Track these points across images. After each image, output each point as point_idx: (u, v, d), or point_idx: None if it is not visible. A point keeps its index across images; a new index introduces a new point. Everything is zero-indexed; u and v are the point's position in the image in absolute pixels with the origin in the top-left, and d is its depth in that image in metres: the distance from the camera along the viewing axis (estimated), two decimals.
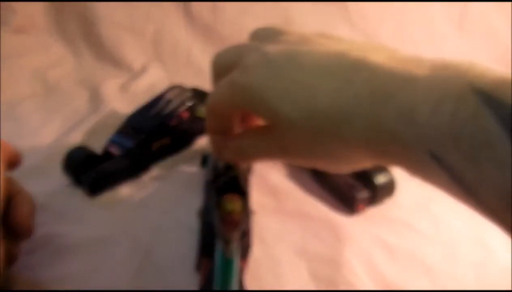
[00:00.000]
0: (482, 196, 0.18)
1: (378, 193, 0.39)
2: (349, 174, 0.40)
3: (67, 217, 0.36)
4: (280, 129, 0.25)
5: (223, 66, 0.29)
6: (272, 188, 0.41)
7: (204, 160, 0.41)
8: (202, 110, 0.45)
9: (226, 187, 0.31)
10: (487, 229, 0.38)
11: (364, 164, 0.25)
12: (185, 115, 0.45)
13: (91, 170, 0.39)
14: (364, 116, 0.21)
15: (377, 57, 0.22)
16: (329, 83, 0.23)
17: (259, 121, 0.31)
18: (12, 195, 0.28)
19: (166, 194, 0.40)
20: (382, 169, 0.40)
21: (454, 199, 0.21)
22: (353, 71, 0.22)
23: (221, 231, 0.27)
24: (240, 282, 0.27)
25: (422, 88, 0.20)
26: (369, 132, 0.22)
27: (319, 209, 0.39)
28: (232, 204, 0.28)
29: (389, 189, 0.40)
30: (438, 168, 0.19)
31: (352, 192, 0.38)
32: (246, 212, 0.29)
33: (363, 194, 0.38)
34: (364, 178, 0.39)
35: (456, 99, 0.18)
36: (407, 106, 0.20)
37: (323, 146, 0.24)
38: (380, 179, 0.39)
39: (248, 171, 0.41)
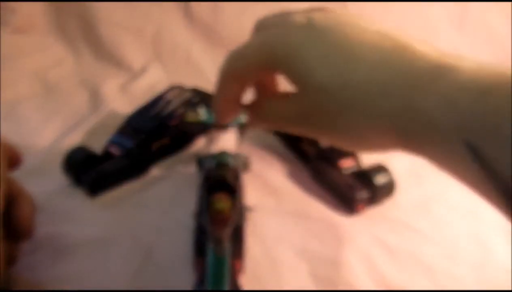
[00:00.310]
0: None
1: (378, 193, 0.39)
2: (349, 174, 0.40)
3: (67, 217, 0.36)
4: (308, 94, 0.24)
5: (264, 27, 0.28)
6: (272, 188, 0.41)
7: (199, 163, 0.41)
8: (191, 116, 0.45)
9: (215, 187, 0.31)
10: (487, 229, 0.38)
11: (386, 147, 0.24)
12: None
13: (91, 170, 0.39)
14: (402, 96, 0.21)
15: (421, 45, 0.22)
16: (371, 57, 0.22)
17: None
18: (13, 196, 0.28)
19: (166, 194, 0.40)
20: (382, 169, 0.40)
21: (479, 196, 0.21)
22: (397, 50, 0.22)
23: (212, 231, 0.27)
24: (235, 282, 0.27)
25: (466, 77, 0.20)
26: (404, 114, 0.21)
27: (319, 209, 0.39)
28: (221, 203, 0.28)
29: (389, 189, 0.40)
30: (471, 159, 0.19)
31: (352, 192, 0.38)
32: (236, 210, 0.29)
33: (363, 194, 0.38)
34: (364, 178, 0.39)
35: (503, 91, 0.18)
36: (449, 94, 0.20)
37: (349, 120, 0.23)
38: (380, 179, 0.39)
39: (244, 167, 0.41)
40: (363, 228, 0.37)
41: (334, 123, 0.24)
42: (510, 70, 0.19)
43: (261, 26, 0.28)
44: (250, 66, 0.26)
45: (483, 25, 0.75)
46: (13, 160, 0.29)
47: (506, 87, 0.19)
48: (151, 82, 0.61)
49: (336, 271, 0.33)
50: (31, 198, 0.29)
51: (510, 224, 0.19)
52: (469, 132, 0.19)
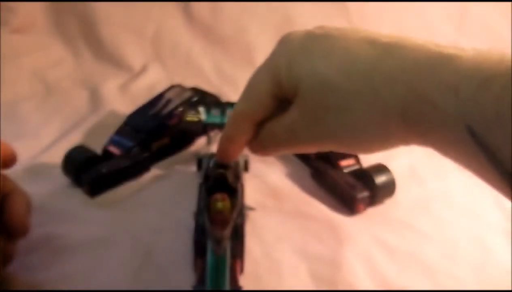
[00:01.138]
0: None
1: (378, 193, 0.39)
2: (349, 174, 0.40)
3: (67, 217, 0.36)
4: (312, 93, 0.24)
5: None
6: (272, 188, 0.41)
7: (199, 163, 0.41)
8: (191, 115, 0.45)
9: (215, 186, 0.31)
10: (487, 229, 0.38)
11: (389, 142, 0.24)
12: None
13: (91, 170, 0.39)
14: (405, 83, 0.22)
15: (419, 40, 0.23)
16: (371, 50, 0.23)
17: None
18: (7, 193, 0.28)
19: (166, 194, 0.40)
20: (383, 169, 0.40)
21: (484, 181, 0.21)
22: (396, 43, 0.23)
23: (211, 230, 0.27)
24: (235, 282, 0.27)
25: (468, 65, 0.20)
26: (408, 101, 0.22)
27: (319, 209, 0.39)
28: (221, 203, 0.28)
29: (389, 189, 0.40)
30: (473, 146, 0.19)
31: (352, 192, 0.38)
32: (236, 210, 0.29)
33: (363, 194, 0.38)
34: (364, 178, 0.39)
35: (503, 80, 0.19)
36: (452, 81, 0.20)
37: (354, 113, 0.23)
38: (380, 179, 0.39)
39: (245, 167, 0.41)
40: (363, 228, 0.37)
41: (337, 121, 0.24)
42: (510, 58, 0.19)
43: None
44: (261, 94, 0.26)
45: (483, 25, 0.75)
46: (7, 158, 0.29)
47: (507, 76, 0.19)
48: (151, 82, 0.61)
49: (336, 271, 0.33)
50: (25, 196, 0.29)
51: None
52: (471, 119, 0.19)
